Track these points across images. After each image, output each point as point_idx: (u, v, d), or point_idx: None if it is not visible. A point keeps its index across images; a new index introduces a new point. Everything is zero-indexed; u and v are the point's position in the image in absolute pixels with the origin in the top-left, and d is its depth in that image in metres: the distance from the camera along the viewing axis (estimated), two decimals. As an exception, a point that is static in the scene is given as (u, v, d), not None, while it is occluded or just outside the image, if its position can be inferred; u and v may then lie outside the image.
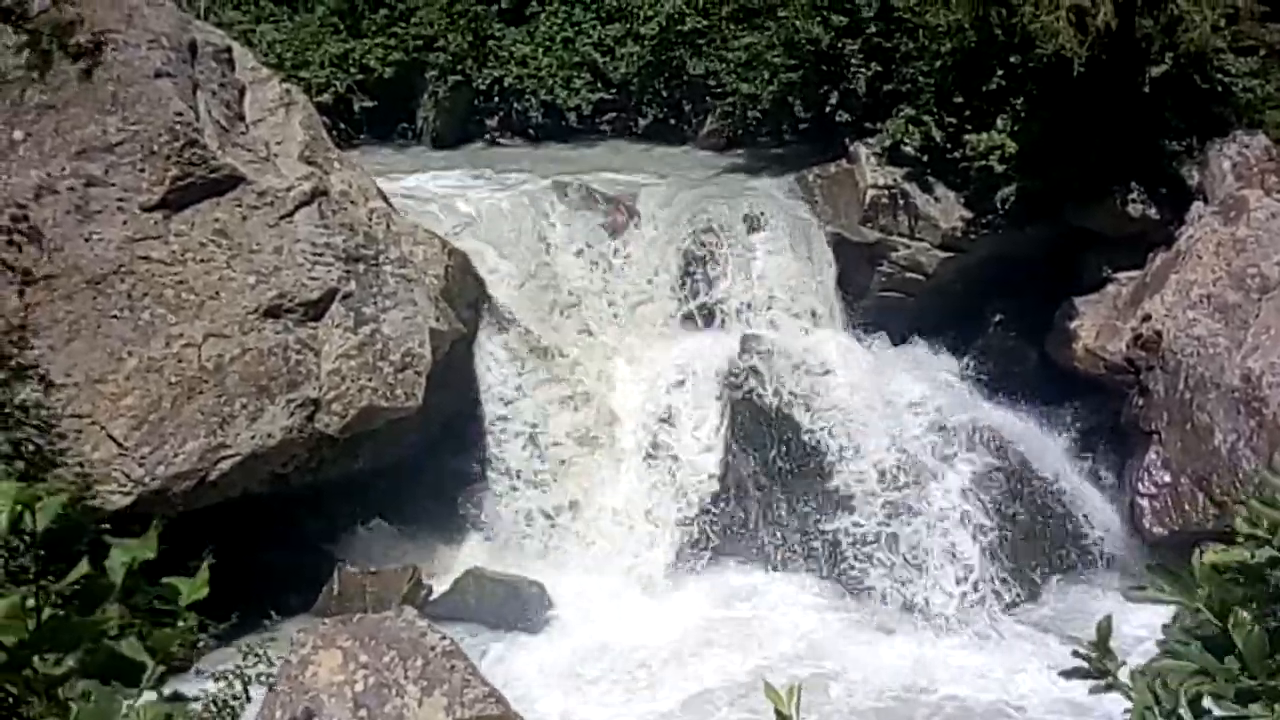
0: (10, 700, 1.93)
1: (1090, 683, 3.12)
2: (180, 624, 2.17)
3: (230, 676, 11.00)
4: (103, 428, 15.55)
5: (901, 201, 20.00)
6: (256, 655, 11.37)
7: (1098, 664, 3.14)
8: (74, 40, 11.89)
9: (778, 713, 2.82)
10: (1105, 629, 3.24)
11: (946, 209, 20.03)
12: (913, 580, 17.72)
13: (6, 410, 12.32)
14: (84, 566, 2.09)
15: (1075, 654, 3.17)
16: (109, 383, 15.69)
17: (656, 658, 16.56)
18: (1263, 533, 3.13)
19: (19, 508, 2.05)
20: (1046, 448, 19.09)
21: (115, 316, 15.88)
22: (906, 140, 19.80)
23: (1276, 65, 20.70)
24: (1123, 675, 3.09)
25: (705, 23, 22.83)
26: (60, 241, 15.81)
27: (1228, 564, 3.14)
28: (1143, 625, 16.91)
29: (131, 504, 15.29)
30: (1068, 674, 3.19)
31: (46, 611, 2.00)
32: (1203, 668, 2.92)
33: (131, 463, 15.56)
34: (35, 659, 1.96)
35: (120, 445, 15.59)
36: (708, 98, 22.77)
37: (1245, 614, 3.05)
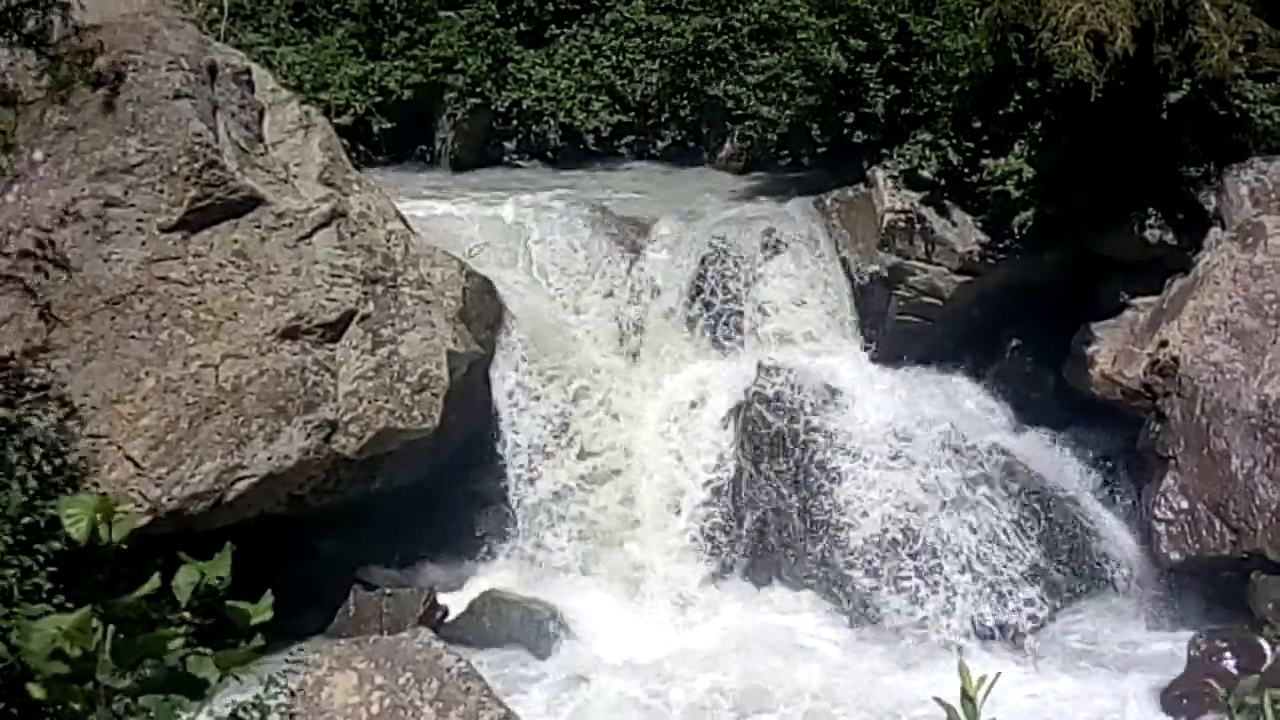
0: (72, 712, 1.95)
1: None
2: (244, 644, 2.18)
3: (251, 707, 10.94)
4: (120, 448, 15.59)
5: (919, 226, 19.97)
6: (277, 685, 11.32)
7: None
8: (95, 67, 11.95)
9: (963, 691, 2.87)
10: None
11: (964, 233, 20.01)
12: (928, 604, 17.68)
13: (26, 431, 12.37)
14: (155, 582, 2.10)
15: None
16: (126, 403, 15.73)
17: (673, 681, 16.54)
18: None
19: (97, 517, 2.07)
20: (1063, 473, 19.05)
21: (133, 337, 15.93)
22: (924, 165, 19.78)
23: (1295, 91, 20.70)
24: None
25: (727, 42, 22.88)
26: (79, 262, 15.86)
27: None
28: (1166, 638, 17.03)
29: (148, 524, 15.29)
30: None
31: (112, 627, 2.01)
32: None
33: (148, 483, 15.58)
34: (99, 672, 1.97)
35: (137, 466, 15.63)
36: (726, 121, 22.80)
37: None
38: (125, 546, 2.34)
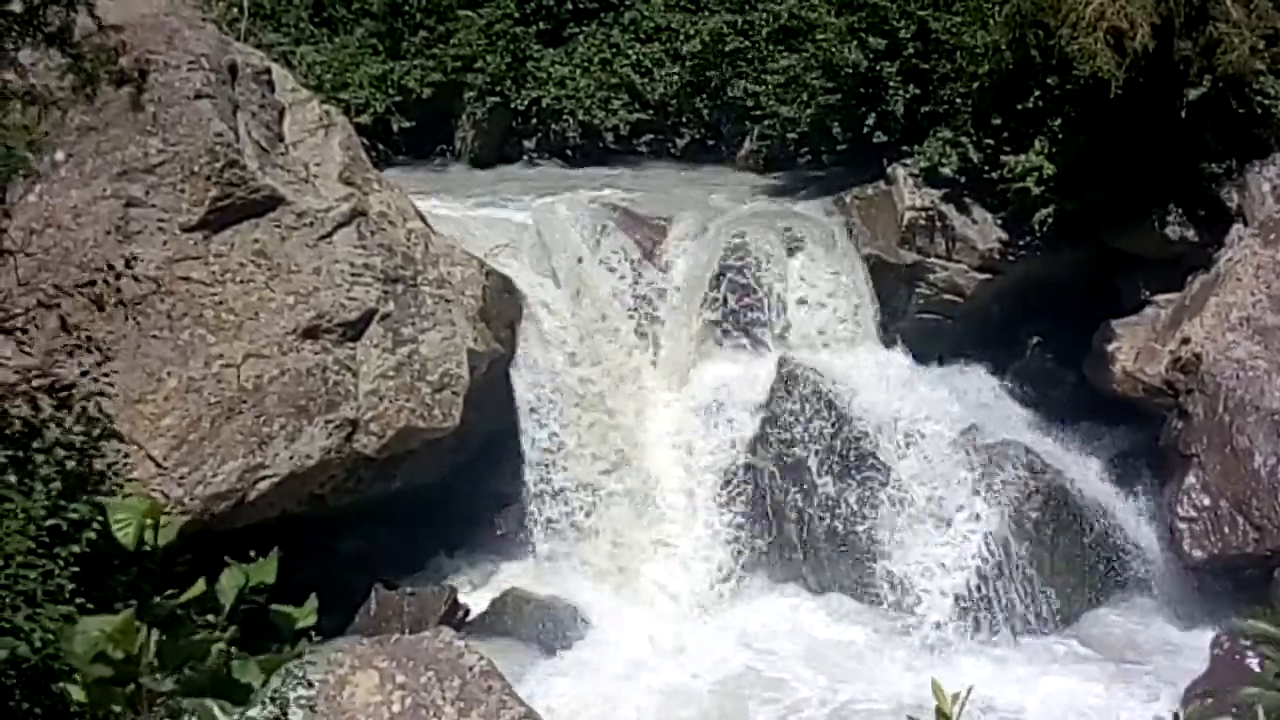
0: (113, 714, 1.95)
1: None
2: (288, 648, 2.18)
3: (269, 701, 10.94)
4: (142, 448, 15.59)
5: (939, 223, 19.97)
6: (296, 678, 11.32)
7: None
8: (118, 66, 11.94)
9: (939, 710, 2.87)
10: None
11: (984, 231, 20.00)
12: (950, 601, 17.66)
13: (49, 433, 12.36)
14: (200, 586, 2.11)
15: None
16: (148, 403, 15.74)
17: (695, 679, 16.54)
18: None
19: (147, 522, 2.07)
20: (1085, 470, 19.03)
21: (155, 337, 15.93)
22: (944, 162, 19.77)
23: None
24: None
25: (745, 43, 22.87)
26: (100, 263, 15.87)
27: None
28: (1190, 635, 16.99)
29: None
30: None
31: (156, 630, 2.01)
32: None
33: (170, 483, 15.60)
34: (141, 675, 1.97)
35: (159, 465, 15.64)
36: (746, 119, 22.78)
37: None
38: (144, 551, 2.33)
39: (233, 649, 2.15)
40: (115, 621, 2.03)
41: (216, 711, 1.95)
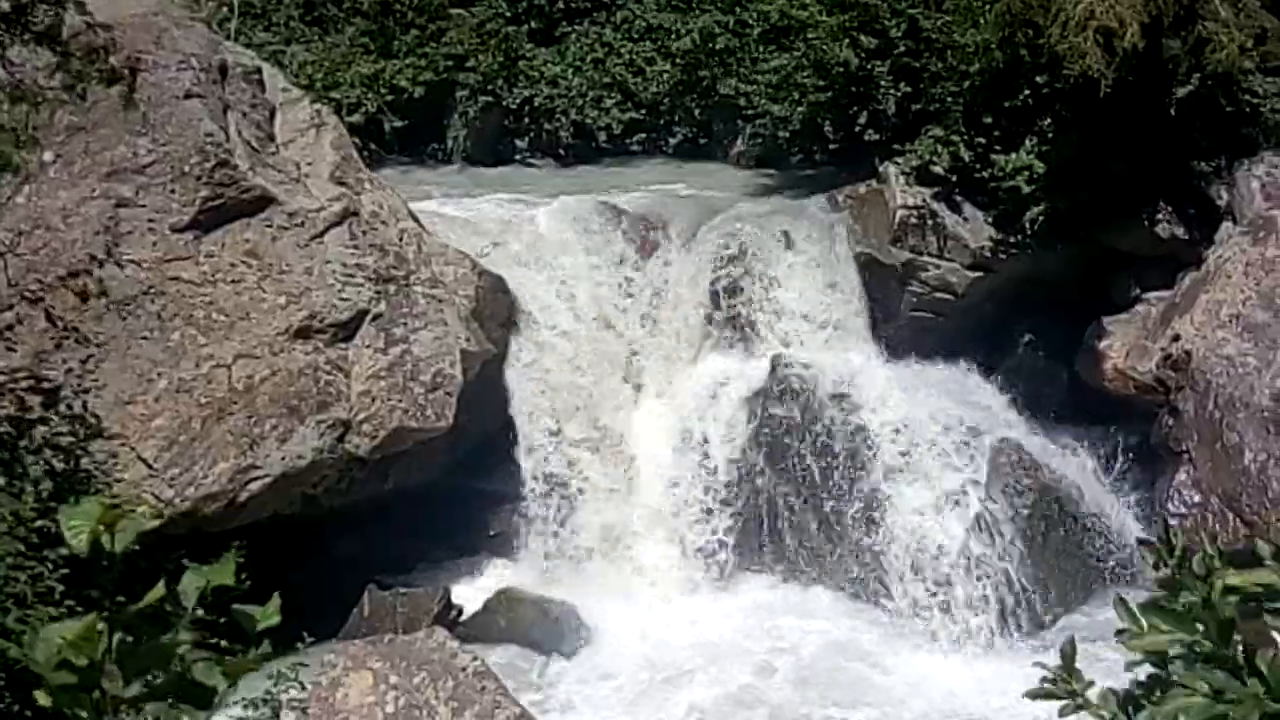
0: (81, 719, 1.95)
1: (1059, 703, 3.09)
2: (254, 652, 2.19)
3: (261, 703, 10.95)
4: (133, 449, 15.57)
5: (931, 221, 19.99)
6: (288, 679, 11.33)
7: (1065, 686, 3.10)
8: (107, 65, 11.93)
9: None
10: (1070, 651, 3.20)
11: (976, 229, 20.03)
12: (940, 598, 17.68)
13: (39, 434, 12.38)
14: (160, 589, 2.11)
15: (1042, 677, 3.14)
16: (139, 404, 15.72)
17: (689, 675, 16.54)
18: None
19: (100, 528, 2.07)
20: (1077, 467, 19.04)
21: (145, 338, 15.92)
22: (935, 160, 19.79)
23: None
24: (1092, 694, 3.06)
25: (737, 41, 22.89)
26: (90, 264, 15.85)
27: (1249, 586, 3.09)
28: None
29: (161, 525, 15.29)
30: (1033, 694, 3.15)
31: (118, 635, 2.02)
32: (1217, 689, 2.86)
33: (162, 484, 15.58)
34: (104, 680, 1.98)
35: (150, 466, 15.61)
36: (738, 118, 22.81)
37: (1274, 631, 3.02)
38: (134, 550, 2.34)
39: (198, 651, 2.16)
40: (77, 627, 2.03)
41: (183, 717, 1.96)
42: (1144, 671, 3.04)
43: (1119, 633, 3.17)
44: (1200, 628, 2.98)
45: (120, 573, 2.25)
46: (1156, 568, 3.27)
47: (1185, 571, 3.17)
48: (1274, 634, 3.03)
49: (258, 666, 2.22)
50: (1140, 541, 3.28)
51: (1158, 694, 2.94)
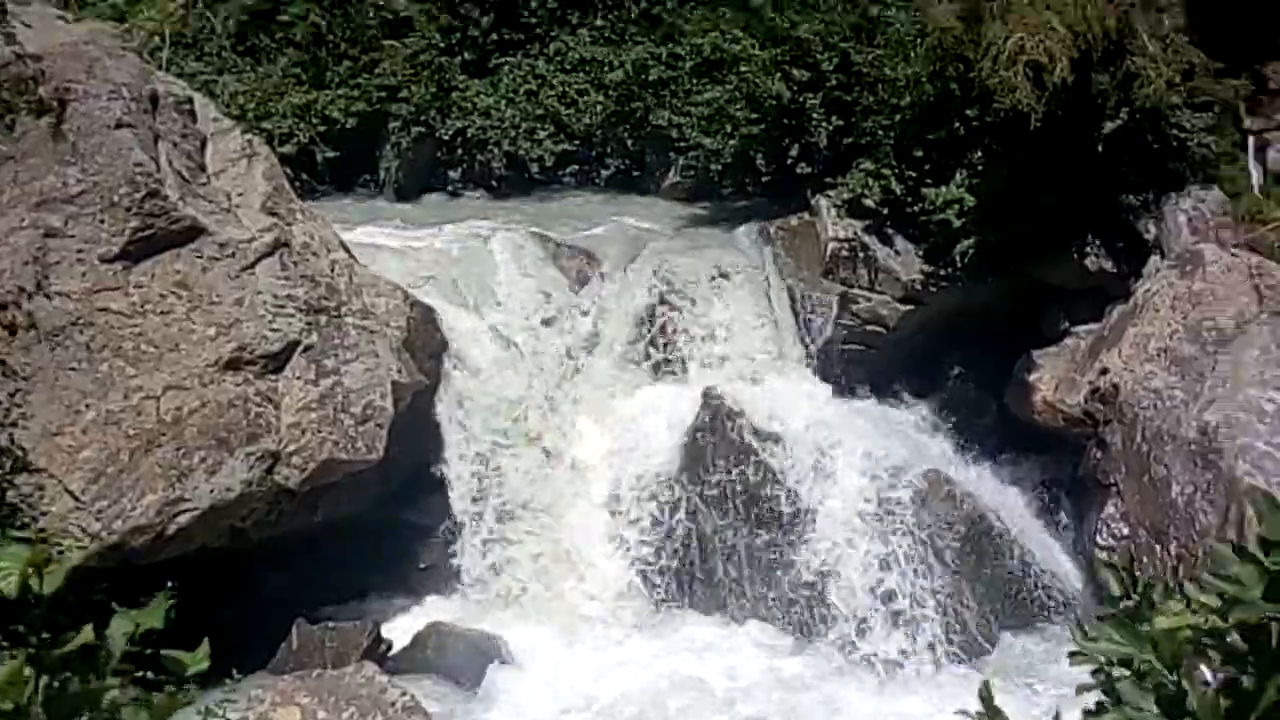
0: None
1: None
2: (179, 694, 2.16)
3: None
4: (60, 481, 15.40)
5: (862, 254, 20.08)
6: (216, 716, 11.22)
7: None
8: (37, 95, 11.86)
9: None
10: (987, 694, 3.24)
11: (907, 262, 20.13)
12: (870, 631, 17.70)
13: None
14: (87, 633, 2.08)
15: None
16: (66, 435, 15.54)
17: (620, 711, 16.48)
18: (1225, 595, 3.11)
19: (30, 570, 2.04)
20: (1006, 500, 19.16)
21: (73, 369, 15.76)
22: (866, 193, 19.89)
23: (1230, 121, 20.94)
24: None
25: (670, 73, 22.97)
26: (17, 294, 15.70)
27: (1181, 628, 3.12)
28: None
29: (87, 559, 15.12)
30: None
31: (45, 678, 1.99)
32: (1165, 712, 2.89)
33: (88, 516, 15.40)
34: (33, 725, 1.95)
35: (77, 499, 15.43)
36: (670, 150, 22.87)
37: (1204, 668, 3.04)
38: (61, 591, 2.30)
39: (126, 695, 2.13)
40: (2, 671, 2.00)
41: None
42: (1093, 699, 3.06)
43: (1072, 655, 3.19)
44: (1153, 648, 3.00)
45: (47, 608, 2.22)
46: (1119, 599, 3.29)
47: (1145, 603, 3.20)
48: (1204, 670, 3.05)
49: (184, 705, 2.19)
50: (1106, 565, 3.28)
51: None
